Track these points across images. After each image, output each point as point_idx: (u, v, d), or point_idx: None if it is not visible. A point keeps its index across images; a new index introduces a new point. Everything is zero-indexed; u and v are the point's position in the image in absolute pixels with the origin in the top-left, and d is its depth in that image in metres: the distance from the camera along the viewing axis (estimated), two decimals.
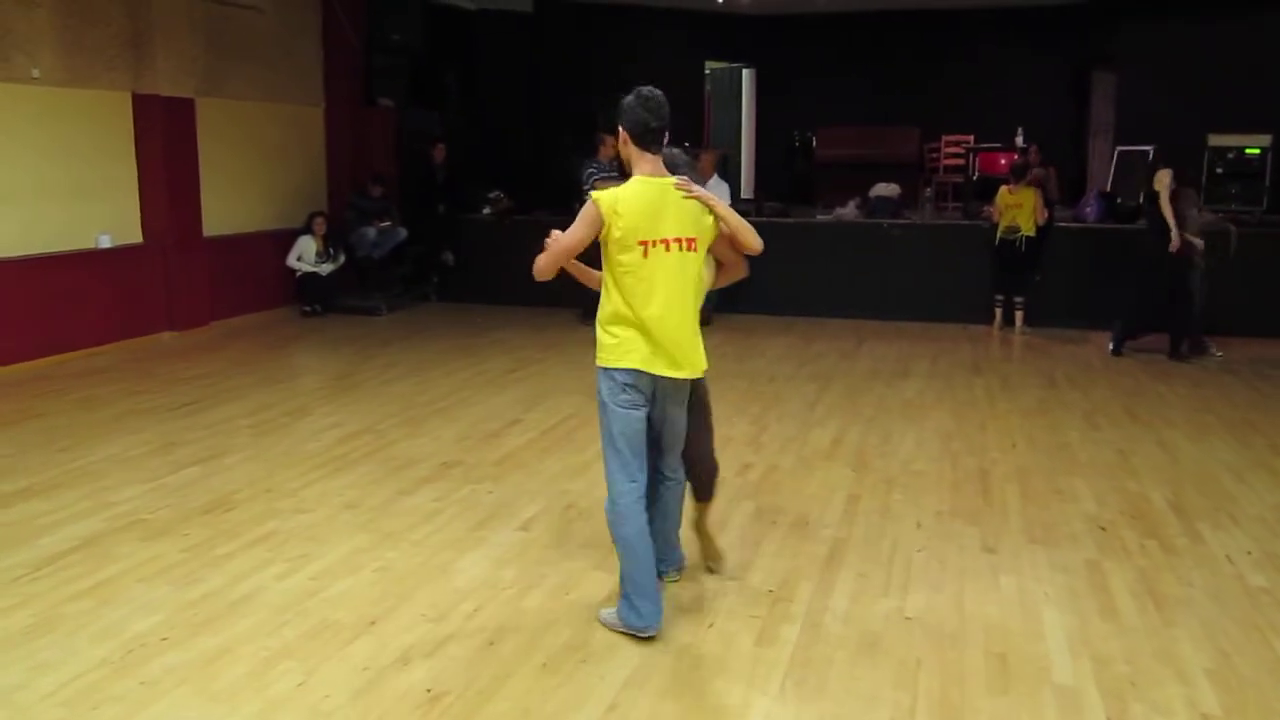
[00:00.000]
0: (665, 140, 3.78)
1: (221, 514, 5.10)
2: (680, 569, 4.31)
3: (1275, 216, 10.34)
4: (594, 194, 3.70)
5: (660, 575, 4.07)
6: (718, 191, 8.89)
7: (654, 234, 3.65)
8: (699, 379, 3.94)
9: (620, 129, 3.74)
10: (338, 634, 3.82)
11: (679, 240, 3.68)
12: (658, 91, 3.75)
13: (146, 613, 4.00)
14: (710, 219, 3.77)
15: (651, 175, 3.71)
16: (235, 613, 4.00)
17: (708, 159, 10.02)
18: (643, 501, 3.82)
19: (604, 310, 3.76)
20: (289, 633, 3.83)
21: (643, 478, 3.83)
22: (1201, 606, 4.09)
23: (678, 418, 3.91)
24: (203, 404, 7.29)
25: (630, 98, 3.72)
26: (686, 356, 3.76)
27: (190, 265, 9.89)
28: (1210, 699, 3.39)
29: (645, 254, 3.64)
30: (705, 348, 3.84)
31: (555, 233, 3.76)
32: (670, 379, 3.76)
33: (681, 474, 4.09)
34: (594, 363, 3.79)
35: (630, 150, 3.75)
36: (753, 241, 3.89)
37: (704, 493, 4.33)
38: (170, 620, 3.94)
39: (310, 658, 3.64)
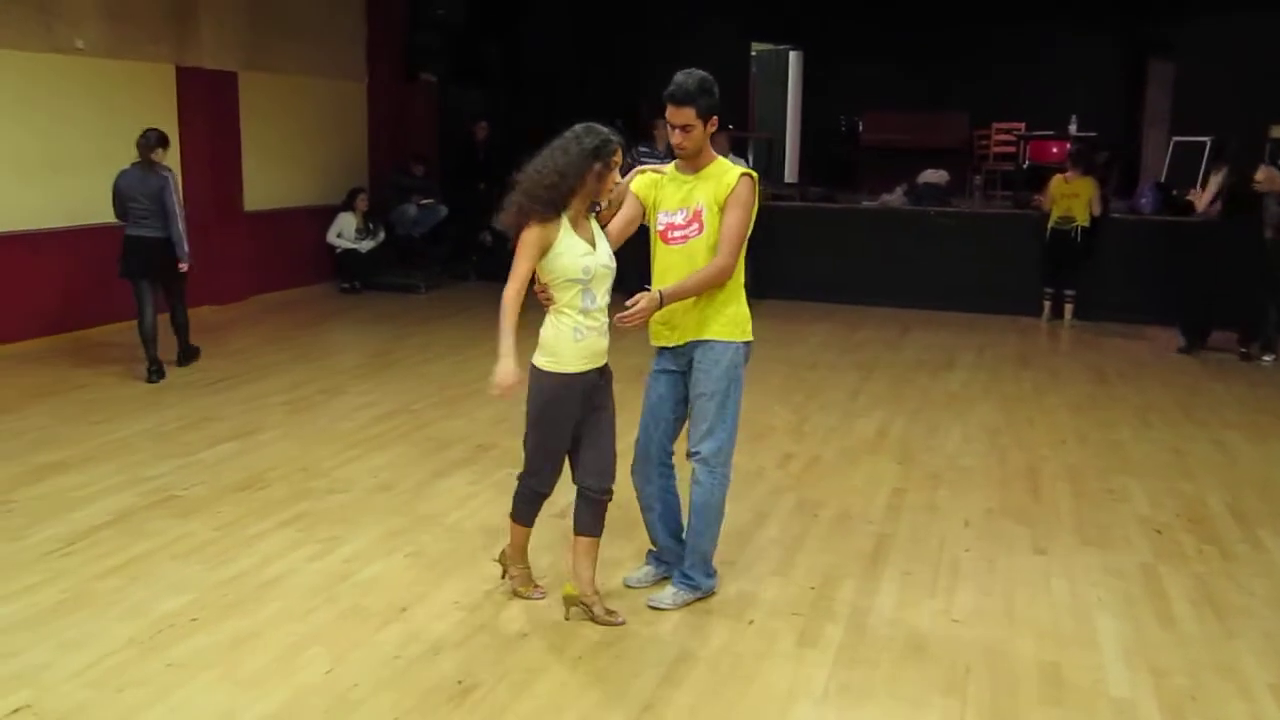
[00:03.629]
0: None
1: (255, 492, 5.03)
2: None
3: None
4: (748, 171, 3.72)
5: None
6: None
7: None
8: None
9: (712, 116, 3.67)
10: (367, 620, 3.73)
11: None
12: None
13: (176, 592, 3.94)
14: None
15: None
16: (265, 595, 3.93)
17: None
18: None
19: (734, 282, 3.75)
20: (318, 618, 3.75)
21: None
22: (1264, 618, 3.91)
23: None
24: (238, 380, 7.25)
25: (711, 79, 3.67)
26: None
27: (230, 239, 9.85)
28: (1276, 717, 3.22)
29: None
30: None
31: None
32: None
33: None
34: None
35: (708, 133, 3.71)
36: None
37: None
38: (200, 600, 3.87)
39: (339, 644, 3.55)
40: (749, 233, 3.73)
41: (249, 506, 4.84)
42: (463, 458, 5.62)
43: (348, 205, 11.01)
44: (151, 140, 7.18)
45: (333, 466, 5.43)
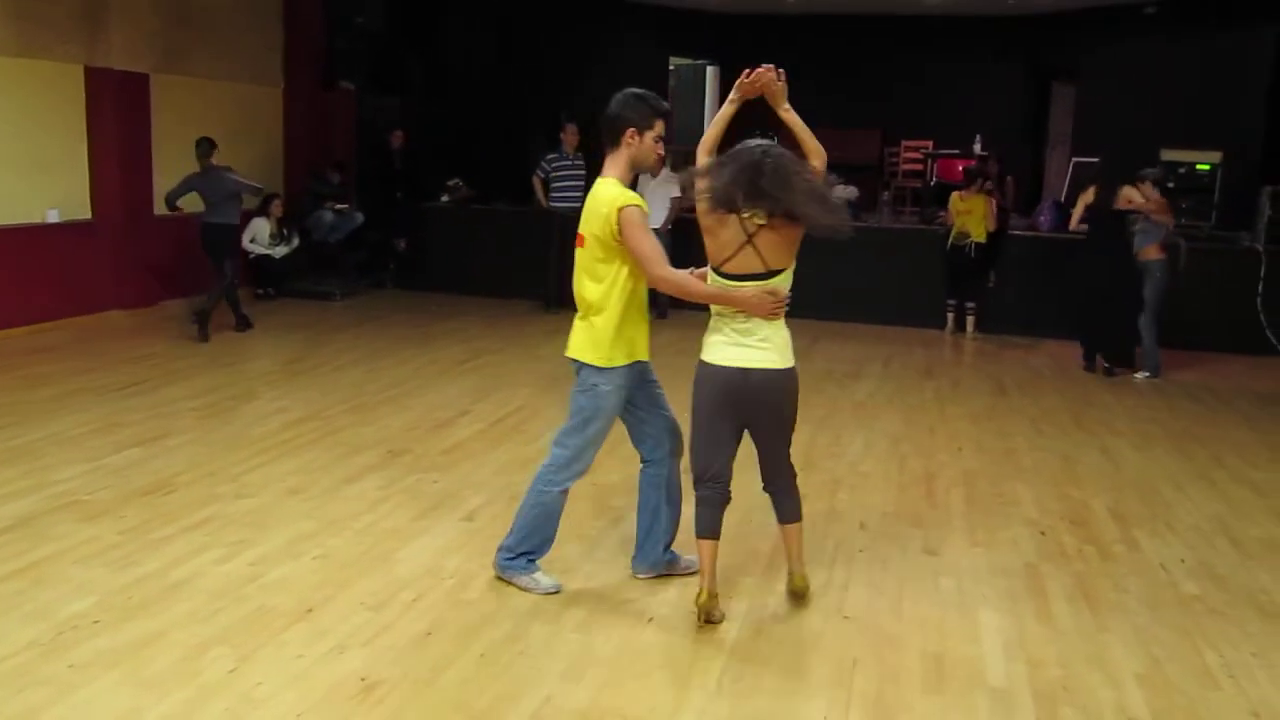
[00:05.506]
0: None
1: (161, 497, 5.02)
2: None
3: (1224, 232, 10.50)
4: None
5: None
6: (669, 185, 8.90)
7: None
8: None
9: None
10: (273, 621, 3.77)
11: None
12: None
13: (80, 595, 3.93)
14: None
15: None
16: (170, 597, 3.95)
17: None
18: None
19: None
20: (223, 619, 3.78)
21: None
22: (1135, 612, 4.15)
23: None
24: (149, 385, 7.18)
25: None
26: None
27: (140, 244, 9.72)
28: (1139, 703, 3.44)
29: None
30: (657, 344, 4.03)
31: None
32: None
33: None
34: (569, 355, 4.08)
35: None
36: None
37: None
38: (104, 603, 3.87)
39: (244, 644, 3.59)
40: None
41: (156, 511, 4.83)
42: (374, 463, 5.66)
43: (262, 211, 10.90)
44: (205, 148, 8.76)
45: (242, 471, 5.44)
